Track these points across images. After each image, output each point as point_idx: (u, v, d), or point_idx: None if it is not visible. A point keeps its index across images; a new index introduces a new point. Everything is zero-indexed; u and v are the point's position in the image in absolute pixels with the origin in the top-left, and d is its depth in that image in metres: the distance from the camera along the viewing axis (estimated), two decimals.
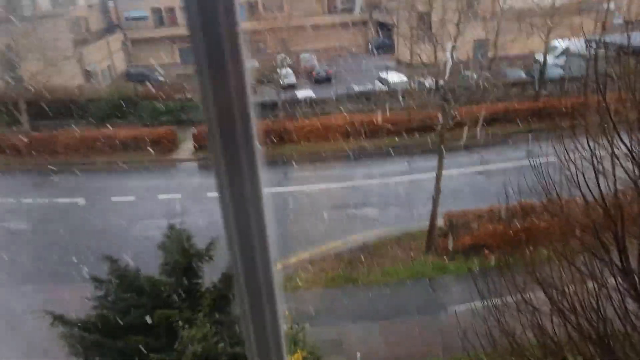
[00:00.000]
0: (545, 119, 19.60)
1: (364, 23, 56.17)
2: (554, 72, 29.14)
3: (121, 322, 7.52)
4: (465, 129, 20.62)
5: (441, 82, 14.68)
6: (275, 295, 0.82)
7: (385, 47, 49.32)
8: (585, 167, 6.85)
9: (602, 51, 7.77)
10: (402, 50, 31.64)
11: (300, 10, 34.82)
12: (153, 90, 29.05)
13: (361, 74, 32.05)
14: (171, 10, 52.49)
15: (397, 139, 23.64)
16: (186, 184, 21.10)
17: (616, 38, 8.95)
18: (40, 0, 35.17)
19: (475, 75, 15.75)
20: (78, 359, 7.39)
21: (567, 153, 7.11)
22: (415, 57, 15.51)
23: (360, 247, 15.71)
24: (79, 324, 7.43)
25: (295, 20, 28.13)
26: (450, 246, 14.93)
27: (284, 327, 0.84)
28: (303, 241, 15.99)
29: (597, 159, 6.42)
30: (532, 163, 8.23)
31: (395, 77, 30.25)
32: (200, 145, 23.86)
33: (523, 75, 30.22)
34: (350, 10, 56.76)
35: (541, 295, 7.42)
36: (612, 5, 37.06)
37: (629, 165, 5.94)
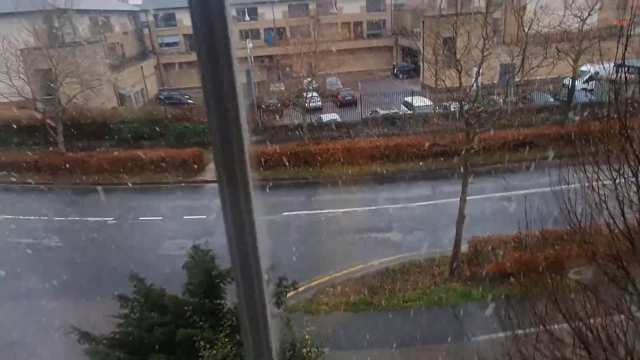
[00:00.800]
0: (573, 145, 19.24)
1: (390, 48, 56.81)
2: (582, 96, 28.72)
3: (145, 340, 7.69)
4: (491, 154, 20.47)
5: (466, 106, 14.65)
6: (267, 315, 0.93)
7: (410, 72, 49.66)
8: (610, 195, 6.76)
9: (631, 76, 7.70)
10: (427, 75, 31.78)
11: (327, 36, 35.52)
12: (183, 112, 29.97)
13: (386, 98, 32.25)
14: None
15: (421, 163, 23.61)
16: (212, 205, 21.48)
17: None
18: (80, 27, 36.96)
19: (500, 100, 15.68)
20: None
21: (591, 180, 7.04)
22: (440, 82, 15.54)
23: (382, 272, 15.61)
24: (104, 341, 7.64)
25: (321, 45, 28.66)
26: (475, 273, 14.69)
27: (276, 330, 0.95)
28: (325, 264, 16.00)
29: (621, 187, 6.34)
30: (557, 189, 8.15)
31: (420, 101, 30.35)
32: None
33: (551, 99, 29.86)
34: (375, 35, 57.52)
35: (565, 326, 7.25)
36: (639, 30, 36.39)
37: None
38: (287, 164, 24.05)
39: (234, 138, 0.80)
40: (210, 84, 0.76)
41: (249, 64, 36.24)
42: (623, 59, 6.31)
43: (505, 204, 19.20)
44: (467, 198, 14.74)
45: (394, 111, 30.18)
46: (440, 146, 21.48)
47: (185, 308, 8.09)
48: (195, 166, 24.73)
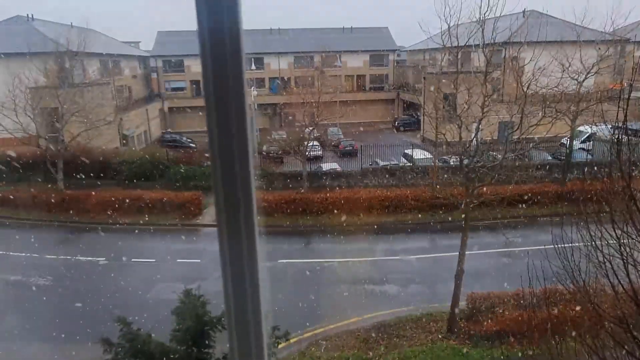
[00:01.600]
0: (572, 203, 19.25)
1: (391, 101, 58.18)
2: (580, 156, 29.07)
3: None
4: (490, 209, 20.41)
5: (466, 161, 14.75)
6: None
7: (411, 125, 50.57)
8: (613, 255, 6.63)
9: (628, 138, 7.78)
10: (428, 128, 32.31)
11: (331, 87, 36.42)
12: (184, 155, 30.18)
13: (387, 150, 32.61)
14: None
15: (420, 215, 23.51)
16: (207, 249, 21.16)
17: None
18: (90, 69, 37.95)
19: (499, 156, 15.82)
20: None
21: (594, 239, 6.93)
22: (440, 136, 15.74)
23: (377, 326, 15.12)
24: None
25: (325, 96, 29.31)
26: (474, 331, 14.23)
27: None
28: (319, 315, 15.54)
29: (624, 247, 6.22)
30: (558, 247, 8.01)
31: (420, 154, 30.68)
32: None
33: (549, 157, 30.21)
34: (378, 89, 59.07)
35: None
36: (638, 94, 37.42)
37: None
38: (286, 211, 23.93)
39: (240, 182, 0.75)
40: (218, 128, 0.73)
41: (253, 111, 36.91)
42: (625, 121, 6.39)
43: (505, 260, 18.93)
44: (466, 253, 14.53)
45: (394, 163, 30.43)
46: (439, 199, 21.47)
47: (172, 356, 7.73)
48: (193, 209, 24.58)
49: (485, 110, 14.92)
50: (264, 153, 33.74)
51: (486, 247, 19.82)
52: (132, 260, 19.85)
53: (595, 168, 23.62)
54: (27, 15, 41.47)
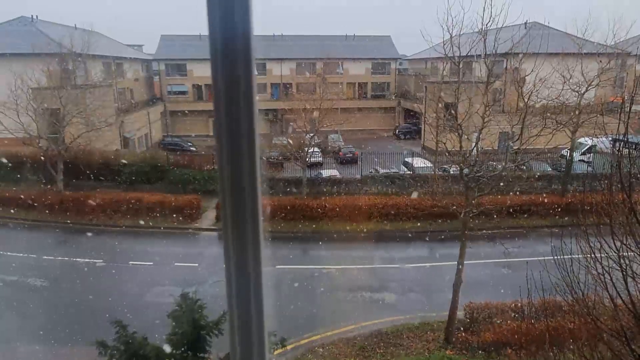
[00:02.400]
0: (571, 214, 19.25)
1: (392, 109, 58.33)
2: (580, 168, 29.09)
3: None
4: (489, 219, 20.39)
5: (466, 170, 14.75)
6: None
7: (412, 133, 50.66)
8: (613, 268, 6.61)
9: (628, 151, 7.80)
10: (428, 137, 32.37)
11: (332, 94, 36.54)
12: (184, 159, 30.19)
13: (387, 157, 32.63)
14: (210, 86, 56.09)
15: (419, 224, 23.48)
16: (205, 253, 21.12)
17: None
18: (92, 71, 38.06)
19: (499, 166, 15.82)
20: None
21: (594, 252, 6.91)
22: (441, 145, 15.75)
23: (374, 334, 15.04)
24: None
25: (326, 102, 29.39)
26: (471, 341, 14.16)
27: None
28: (316, 322, 15.47)
29: (624, 260, 6.21)
30: (557, 259, 7.99)
31: (420, 163, 30.70)
32: None
33: (549, 169, 30.23)
34: (379, 97, 59.24)
35: None
36: (638, 107, 37.57)
37: None
38: (285, 216, 23.91)
39: (247, 187, 0.76)
40: (228, 133, 0.73)
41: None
42: (626, 133, 6.40)
43: (504, 271, 18.88)
44: (465, 262, 14.49)
45: (394, 171, 30.42)
46: (439, 208, 21.45)
47: None
48: (192, 213, 24.55)
49: (486, 120, 14.93)
50: (265, 158, 33.76)
51: (485, 257, 19.77)
52: (130, 262, 19.79)
53: (596, 180, 23.70)
54: (31, 16, 41.66)
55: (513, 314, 14.20)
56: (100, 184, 26.88)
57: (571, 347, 8.83)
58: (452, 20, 17.02)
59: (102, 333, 7.90)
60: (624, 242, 6.33)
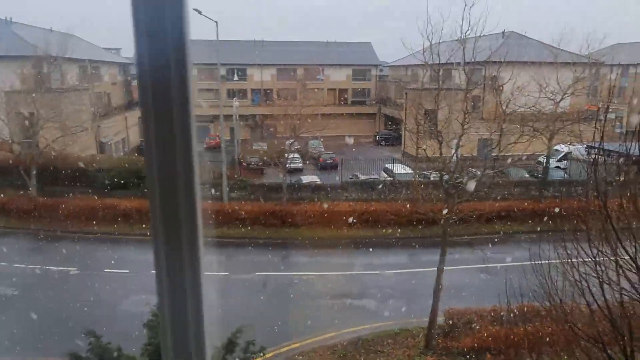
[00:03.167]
0: (548, 220, 19.58)
1: (373, 115, 58.68)
2: (556, 174, 29.68)
3: None
4: (469, 225, 20.55)
5: (446, 177, 14.85)
6: None
7: (392, 139, 50.98)
8: (589, 274, 6.67)
9: (602, 158, 7.92)
10: (408, 144, 32.58)
11: (313, 100, 36.56)
12: None
13: (367, 164, 32.74)
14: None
15: (399, 230, 23.55)
16: None
17: (616, 147, 9.17)
18: (68, 75, 37.26)
19: (479, 173, 15.97)
20: None
21: (570, 258, 6.98)
22: (421, 151, 15.83)
23: (355, 341, 14.96)
24: None
25: (306, 108, 29.37)
26: (451, 346, 14.20)
27: None
28: (296, 329, 15.30)
29: (600, 266, 6.27)
30: (535, 265, 8.05)
31: (400, 169, 30.87)
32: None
33: (526, 175, 30.76)
34: (360, 103, 59.55)
35: None
36: (612, 115, 38.58)
37: (634, 275, 5.77)
38: (264, 223, 23.71)
39: (183, 194, 0.70)
40: (157, 140, 0.69)
41: (235, 122, 36.74)
42: (601, 141, 6.49)
43: (483, 276, 19.05)
44: (445, 268, 14.55)
45: (374, 177, 30.53)
46: (419, 214, 21.54)
47: None
48: None
49: (465, 127, 15.09)
50: (245, 164, 33.53)
51: (464, 262, 19.92)
52: (105, 270, 19.31)
53: (571, 187, 24.17)
54: (6, 18, 40.65)
55: (492, 320, 14.30)
56: (75, 189, 26.23)
57: (549, 352, 8.91)
58: (432, 28, 17.22)
59: (74, 345, 7.63)
60: (600, 248, 6.39)
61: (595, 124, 6.95)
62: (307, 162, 37.99)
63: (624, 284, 5.93)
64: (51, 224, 23.11)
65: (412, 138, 17.99)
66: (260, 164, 32.70)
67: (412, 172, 28.67)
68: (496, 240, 22.19)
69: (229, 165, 32.31)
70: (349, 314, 16.59)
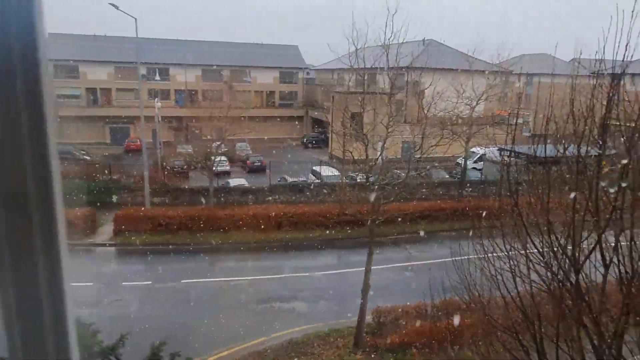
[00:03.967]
0: (467, 219, 20.76)
1: (300, 118, 58.97)
2: (473, 175, 31.58)
3: None
4: (394, 225, 21.25)
5: (372, 178, 15.22)
6: None
7: (319, 142, 51.53)
8: (504, 268, 7.11)
9: (513, 159, 8.51)
10: (336, 146, 33.10)
11: (239, 102, 36.02)
12: (76, 169, 27.83)
13: (295, 166, 32.82)
14: (107, 91, 52.44)
15: (328, 231, 23.80)
16: (101, 270, 19.54)
17: (525, 149, 9.91)
18: None
19: (403, 174, 16.55)
20: None
21: (487, 254, 7.39)
22: (348, 153, 16.12)
23: (286, 344, 14.87)
24: None
25: (233, 111, 28.86)
26: (379, 344, 14.56)
27: None
28: (226, 336, 14.91)
29: (513, 261, 6.69)
30: (455, 261, 8.45)
31: (327, 171, 31.26)
32: (121, 229, 22.57)
33: (446, 176, 32.45)
34: (287, 105, 59.60)
35: None
36: (520, 120, 41.81)
37: (541, 268, 6.22)
38: (191, 228, 22.94)
39: (36, 200, 0.66)
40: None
41: (157, 123, 35.24)
42: (513, 143, 6.96)
43: (408, 274, 19.75)
44: (372, 268, 14.89)
45: (302, 179, 30.66)
46: (347, 216, 21.92)
47: None
48: (86, 228, 22.62)
49: (389, 129, 15.57)
50: (169, 168, 32.28)
51: (391, 261, 20.54)
52: None
53: (486, 187, 25.79)
54: None
55: (417, 315, 14.85)
56: None
57: (469, 343, 9.39)
58: (357, 34, 17.60)
59: None
60: (512, 244, 6.83)
61: (508, 128, 7.46)
62: (235, 165, 37.35)
63: (534, 276, 6.38)
64: None
65: (339, 140, 18.29)
66: (186, 167, 31.63)
67: (339, 174, 29.17)
68: (420, 239, 23.14)
69: (152, 169, 30.94)
70: (280, 317, 16.47)
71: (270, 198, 27.85)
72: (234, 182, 29.97)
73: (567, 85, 6.41)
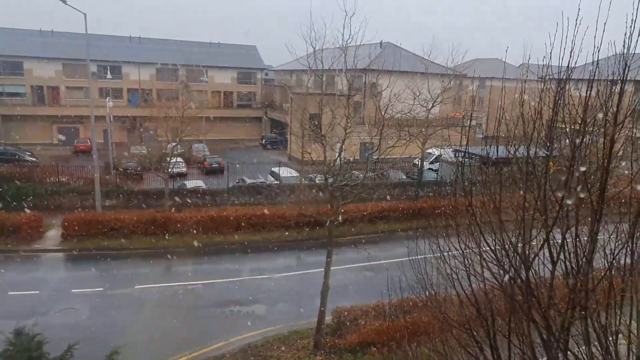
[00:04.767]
0: (423, 218, 21.22)
1: (259, 119, 58.52)
2: (429, 176, 32.32)
3: None
4: (353, 225, 21.43)
5: (330, 179, 15.26)
6: None
7: (278, 143, 51.36)
8: (459, 267, 7.28)
9: (467, 160, 8.74)
10: (294, 147, 33.06)
11: (196, 103, 35.28)
12: (21, 171, 26.44)
13: (254, 167, 32.50)
14: (55, 89, 50.10)
15: (287, 233, 23.70)
16: (48, 277, 18.59)
17: (478, 150, 10.20)
18: None
19: (361, 175, 16.68)
20: None
21: (442, 252, 7.55)
22: (306, 155, 16.10)
23: (245, 348, 14.66)
24: None
25: (189, 111, 28.22)
26: (338, 344, 14.60)
27: None
28: (182, 342, 14.53)
29: (467, 259, 6.86)
30: (412, 260, 8.58)
31: (286, 172, 31.15)
32: (70, 234, 21.58)
33: (404, 177, 33.04)
34: (245, 106, 58.98)
35: None
36: (473, 122, 43.14)
37: (494, 266, 6.40)
38: (145, 231, 22.24)
39: None
40: None
41: (109, 123, 34.00)
42: (467, 145, 7.14)
43: (367, 274, 19.94)
44: (332, 268, 14.92)
45: (260, 180, 30.41)
46: (305, 217, 21.91)
47: None
48: (32, 232, 21.49)
49: (347, 131, 15.65)
50: (122, 169, 31.21)
51: (350, 262, 20.68)
52: None
53: (442, 187, 26.43)
54: None
55: (376, 315, 15.00)
56: None
57: (426, 341, 9.56)
58: (315, 35, 17.61)
59: None
60: (467, 243, 6.99)
61: (462, 130, 7.65)
62: (191, 166, 36.57)
63: (487, 274, 6.56)
64: None
65: (298, 142, 18.27)
66: (139, 168, 30.65)
67: (298, 175, 29.12)
68: (378, 239, 23.42)
69: (104, 171, 29.80)
70: (239, 321, 16.22)
71: (228, 200, 27.44)
72: (190, 184, 29.34)
73: (517, 89, 6.63)
